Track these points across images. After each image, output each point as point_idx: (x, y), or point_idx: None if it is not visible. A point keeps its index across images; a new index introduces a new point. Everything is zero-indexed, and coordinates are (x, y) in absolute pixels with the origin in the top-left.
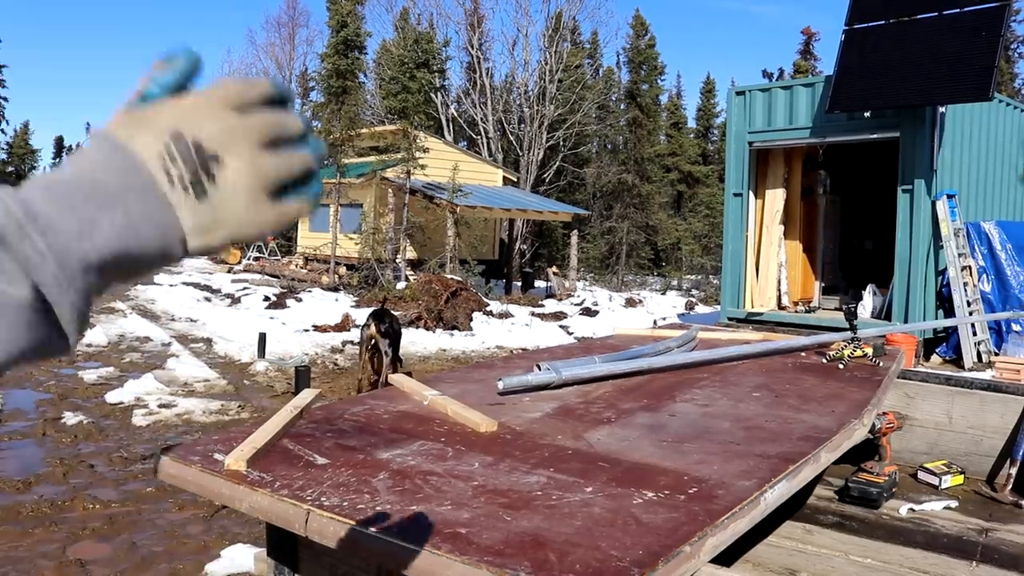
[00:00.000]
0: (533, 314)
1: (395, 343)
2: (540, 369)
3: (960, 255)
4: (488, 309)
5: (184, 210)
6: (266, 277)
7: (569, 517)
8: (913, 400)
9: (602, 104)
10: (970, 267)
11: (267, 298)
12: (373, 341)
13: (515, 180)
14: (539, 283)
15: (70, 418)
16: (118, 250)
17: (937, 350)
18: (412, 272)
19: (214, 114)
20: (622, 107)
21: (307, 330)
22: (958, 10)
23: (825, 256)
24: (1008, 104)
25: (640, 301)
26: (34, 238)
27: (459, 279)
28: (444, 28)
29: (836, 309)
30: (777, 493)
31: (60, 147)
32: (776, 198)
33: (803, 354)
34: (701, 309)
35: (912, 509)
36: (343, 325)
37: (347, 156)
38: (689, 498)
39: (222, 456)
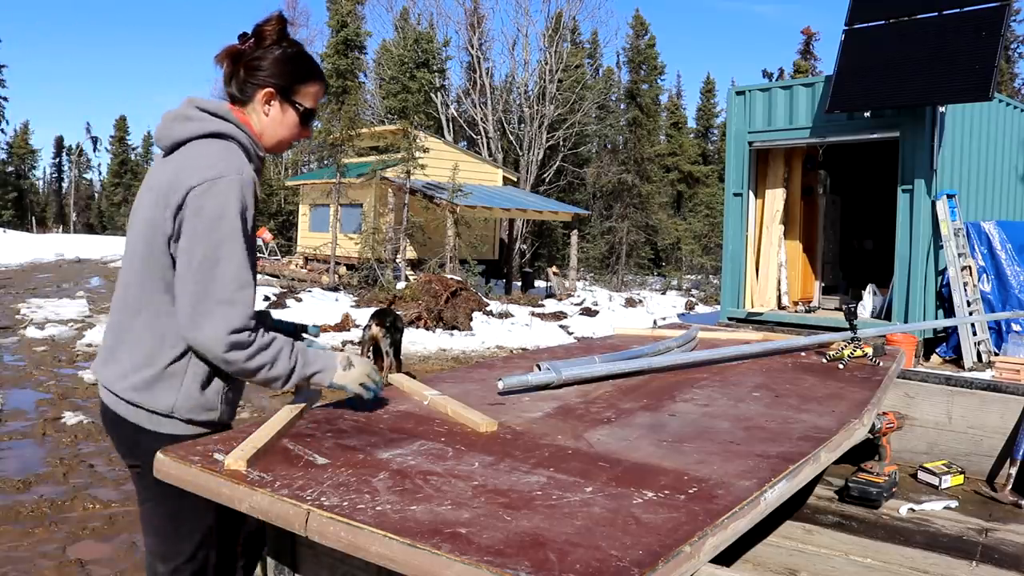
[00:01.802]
0: (533, 314)
1: (397, 343)
2: (540, 369)
3: (960, 255)
4: (488, 309)
5: (337, 376)
6: (266, 277)
7: (569, 517)
8: (913, 400)
9: (602, 104)
10: (970, 267)
11: (267, 298)
12: (374, 341)
13: (515, 180)
14: (539, 283)
15: (70, 418)
16: (310, 374)
17: (937, 350)
18: (412, 272)
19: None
20: (622, 107)
21: None
22: (958, 10)
23: (825, 256)
24: (1008, 104)
25: (640, 301)
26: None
27: (459, 279)
28: (444, 28)
29: (836, 309)
30: (777, 493)
31: (60, 147)
32: (776, 198)
33: (803, 354)
34: (701, 309)
35: (912, 509)
36: (343, 325)
37: (347, 156)
38: (689, 498)
39: (222, 456)
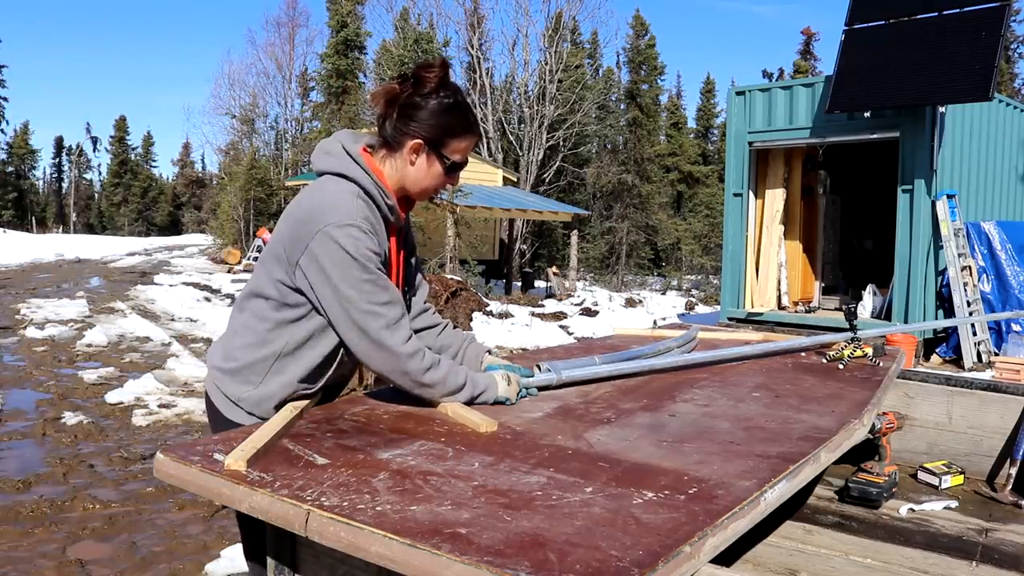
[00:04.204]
0: (533, 314)
1: None
2: (540, 370)
3: (960, 255)
4: (488, 309)
5: (500, 391)
6: None
7: (569, 517)
8: (913, 400)
9: (602, 104)
10: (970, 267)
11: None
12: None
13: (515, 180)
14: (539, 283)
15: (70, 418)
16: (479, 394)
17: (937, 350)
18: None
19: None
20: (622, 107)
21: None
22: (958, 10)
23: (825, 256)
24: (1008, 104)
25: (640, 301)
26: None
27: (459, 279)
28: (444, 28)
29: (836, 309)
30: (777, 493)
31: (60, 147)
32: (776, 198)
33: (803, 354)
34: (701, 309)
35: (912, 509)
36: None
37: None
38: (689, 498)
39: (222, 456)
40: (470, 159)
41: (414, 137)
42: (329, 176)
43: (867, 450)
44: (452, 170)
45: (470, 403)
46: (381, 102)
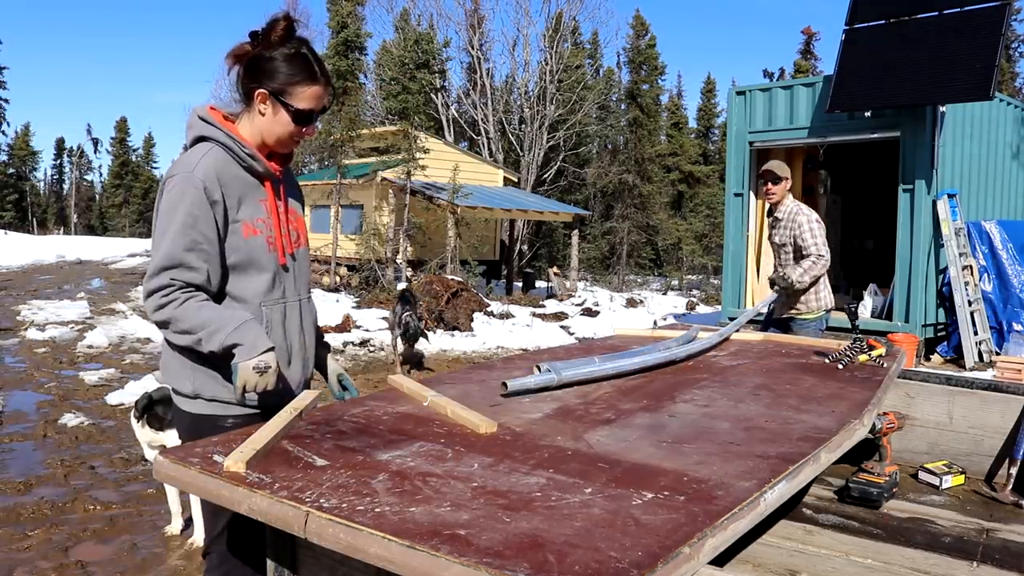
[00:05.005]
0: (534, 314)
1: (411, 310)
2: (540, 370)
3: (961, 254)
4: (489, 310)
5: (242, 364)
6: None
7: (568, 518)
8: (914, 400)
9: (602, 104)
10: (971, 267)
11: None
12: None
13: (515, 180)
14: (540, 283)
15: (71, 420)
16: (231, 344)
17: (938, 349)
18: (413, 272)
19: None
20: (622, 107)
21: None
22: (958, 9)
23: None
24: (1009, 103)
25: (641, 301)
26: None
27: (460, 279)
28: (444, 29)
29: (837, 309)
30: (777, 494)
31: (60, 148)
32: None
33: (799, 353)
34: (702, 309)
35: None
36: (344, 326)
37: (347, 157)
38: (689, 499)
39: (221, 457)
40: (470, 159)
41: (259, 87)
42: (193, 146)
43: (867, 450)
44: (300, 118)
45: (224, 350)
46: (231, 61)
